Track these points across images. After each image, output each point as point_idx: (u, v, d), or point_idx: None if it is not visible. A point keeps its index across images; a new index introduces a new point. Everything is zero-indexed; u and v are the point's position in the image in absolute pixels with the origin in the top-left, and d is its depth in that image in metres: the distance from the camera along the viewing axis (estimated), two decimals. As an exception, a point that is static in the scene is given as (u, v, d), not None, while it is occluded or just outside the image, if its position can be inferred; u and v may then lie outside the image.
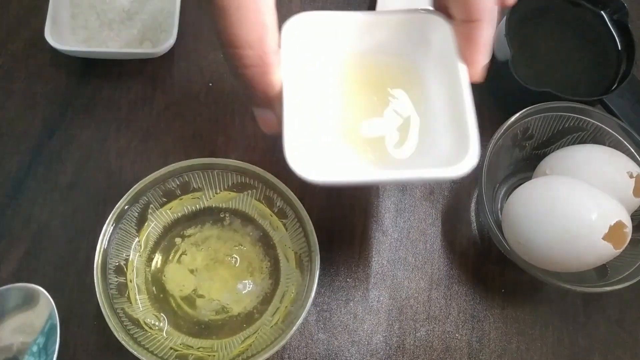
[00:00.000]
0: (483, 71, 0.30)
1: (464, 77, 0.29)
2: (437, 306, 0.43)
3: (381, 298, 0.43)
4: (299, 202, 0.38)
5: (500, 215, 0.43)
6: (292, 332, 0.35)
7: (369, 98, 0.32)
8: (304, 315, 0.36)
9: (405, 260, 0.44)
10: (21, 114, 0.46)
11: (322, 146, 0.30)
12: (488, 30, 0.28)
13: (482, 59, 0.29)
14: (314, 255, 0.37)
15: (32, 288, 0.37)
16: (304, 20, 0.29)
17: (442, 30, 0.30)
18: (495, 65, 0.47)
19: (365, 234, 0.44)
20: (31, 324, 0.37)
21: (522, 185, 0.41)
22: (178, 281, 0.40)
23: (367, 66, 0.32)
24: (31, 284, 0.38)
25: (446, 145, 0.30)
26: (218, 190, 0.41)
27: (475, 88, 0.49)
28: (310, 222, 0.38)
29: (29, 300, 0.37)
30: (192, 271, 0.40)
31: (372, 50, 0.32)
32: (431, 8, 0.31)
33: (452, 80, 0.29)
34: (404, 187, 0.46)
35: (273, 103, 0.27)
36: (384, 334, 0.41)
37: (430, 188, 0.46)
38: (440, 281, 0.43)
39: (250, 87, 0.26)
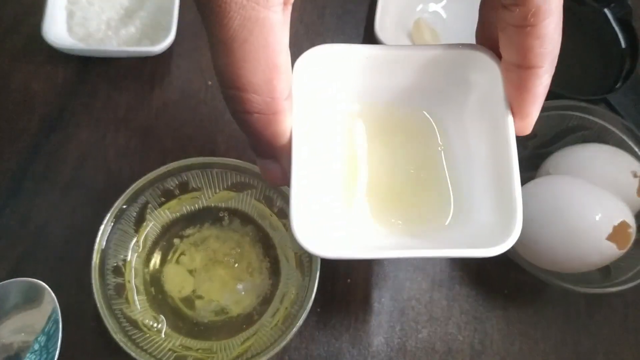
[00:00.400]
0: (532, 124, 0.24)
1: (511, 132, 0.23)
2: (439, 307, 0.42)
3: (382, 299, 0.42)
4: (299, 201, 0.38)
5: (502, 215, 0.43)
6: (292, 333, 0.35)
7: (391, 154, 0.27)
8: (304, 316, 0.35)
9: (406, 261, 0.43)
10: (19, 112, 0.45)
11: (334, 210, 0.26)
12: (546, 79, 0.22)
13: (535, 111, 0.23)
14: (315, 255, 0.37)
15: (35, 283, 0.37)
16: (319, 55, 0.24)
17: (488, 72, 0.24)
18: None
19: (366, 234, 0.44)
20: (33, 321, 0.37)
21: (524, 185, 0.41)
22: (177, 282, 0.40)
23: (391, 113, 0.27)
24: (34, 280, 0.37)
25: (483, 216, 0.25)
26: (217, 190, 0.41)
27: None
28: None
29: (32, 296, 0.37)
30: (191, 272, 0.40)
31: (398, 92, 0.27)
32: (474, 43, 0.26)
33: (496, 135, 0.24)
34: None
35: (279, 155, 0.23)
36: (385, 336, 0.41)
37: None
38: (442, 282, 0.43)
39: (253, 136, 0.22)
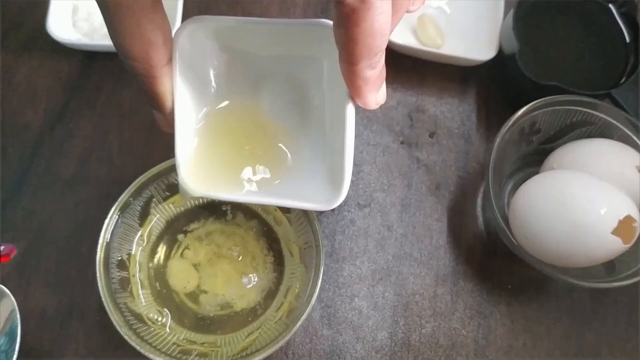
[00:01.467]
0: (373, 103, 0.24)
1: (349, 104, 0.25)
2: (442, 302, 0.42)
3: (386, 294, 0.42)
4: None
5: (507, 210, 0.43)
6: (296, 327, 0.35)
7: (253, 116, 0.30)
8: (308, 310, 0.35)
9: (410, 255, 0.43)
10: (23, 107, 0.45)
11: (211, 159, 0.29)
12: (366, 73, 0.23)
13: (368, 95, 0.24)
14: (319, 250, 0.37)
15: None
16: (196, 26, 0.27)
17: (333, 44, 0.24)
18: (502, 59, 0.47)
19: (371, 230, 0.44)
20: None
21: (529, 180, 0.41)
22: (181, 277, 0.40)
23: (260, 80, 0.29)
24: None
25: (320, 176, 0.28)
26: (221, 185, 0.41)
27: (482, 81, 0.49)
28: (315, 216, 0.38)
29: None
30: (195, 266, 0.40)
31: (269, 62, 0.29)
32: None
33: (339, 106, 0.25)
34: (409, 183, 0.46)
35: (163, 109, 0.27)
36: (389, 330, 0.41)
37: (436, 183, 0.46)
38: (446, 277, 0.43)
39: (142, 92, 0.26)
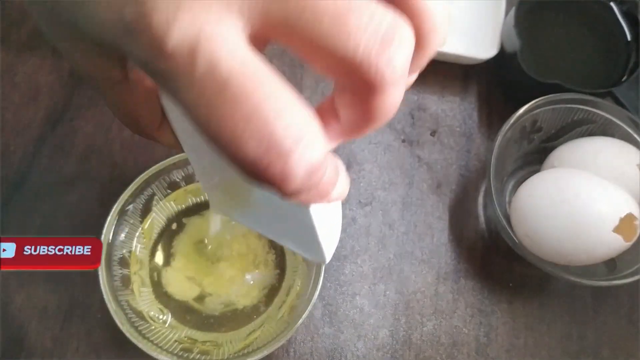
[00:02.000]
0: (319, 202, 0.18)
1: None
2: (444, 300, 0.42)
3: (387, 292, 0.42)
4: (305, 194, 0.38)
5: (508, 209, 0.43)
6: (297, 325, 0.35)
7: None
8: (309, 309, 0.35)
9: (412, 254, 0.43)
10: (24, 105, 0.45)
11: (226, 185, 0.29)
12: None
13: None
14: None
15: None
16: None
17: None
18: (503, 57, 0.47)
19: (372, 228, 0.44)
20: None
21: (530, 178, 0.41)
22: (181, 288, 0.39)
23: None
24: None
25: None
26: (223, 182, 0.41)
27: (483, 79, 0.49)
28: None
29: None
30: (191, 278, 0.39)
31: None
32: None
33: None
34: (410, 181, 0.46)
35: (178, 150, 0.28)
36: (390, 329, 0.41)
37: (438, 181, 0.46)
38: (447, 275, 0.43)
39: None
